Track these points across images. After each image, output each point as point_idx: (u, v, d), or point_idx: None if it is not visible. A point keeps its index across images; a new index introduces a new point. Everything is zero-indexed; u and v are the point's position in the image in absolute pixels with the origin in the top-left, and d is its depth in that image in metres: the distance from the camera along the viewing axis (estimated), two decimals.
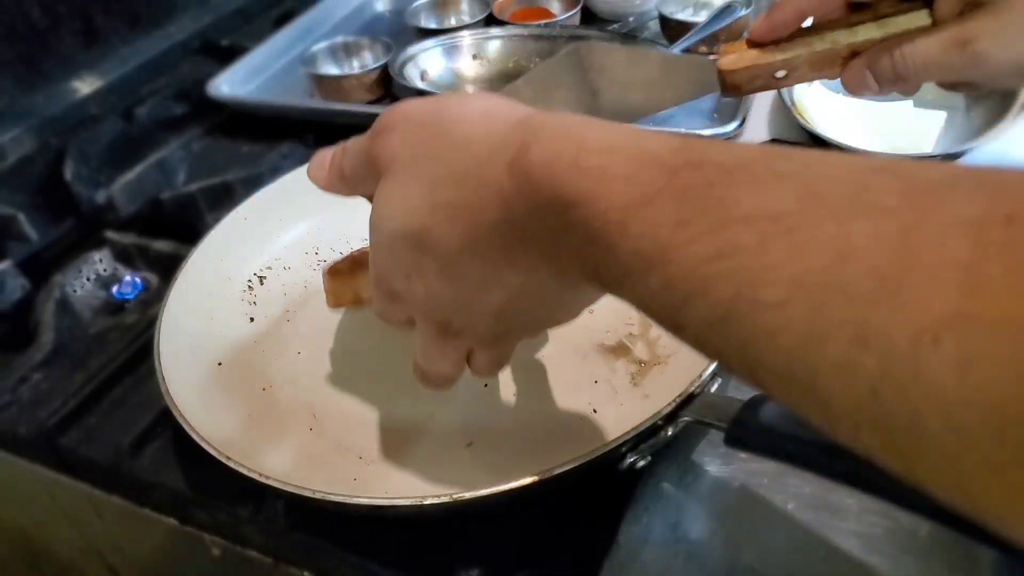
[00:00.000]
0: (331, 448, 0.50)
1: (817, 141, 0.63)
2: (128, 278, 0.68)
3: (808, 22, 0.48)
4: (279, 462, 0.48)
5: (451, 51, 0.91)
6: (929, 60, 0.44)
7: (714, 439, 0.47)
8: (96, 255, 0.71)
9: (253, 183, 0.67)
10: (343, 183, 0.42)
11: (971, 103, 0.65)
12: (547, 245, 0.30)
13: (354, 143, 0.40)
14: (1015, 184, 0.19)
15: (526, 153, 0.29)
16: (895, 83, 0.46)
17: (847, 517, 0.42)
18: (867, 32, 0.46)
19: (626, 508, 0.45)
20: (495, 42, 0.92)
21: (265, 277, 0.63)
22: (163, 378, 0.49)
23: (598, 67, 0.52)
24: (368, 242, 0.39)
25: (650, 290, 0.25)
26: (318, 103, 0.88)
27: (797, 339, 0.21)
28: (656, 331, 0.54)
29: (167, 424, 0.53)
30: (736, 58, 0.48)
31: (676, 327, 0.25)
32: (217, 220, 0.62)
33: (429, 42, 0.91)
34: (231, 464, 0.43)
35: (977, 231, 0.18)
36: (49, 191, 0.76)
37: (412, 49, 0.89)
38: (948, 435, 0.18)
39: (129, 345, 0.61)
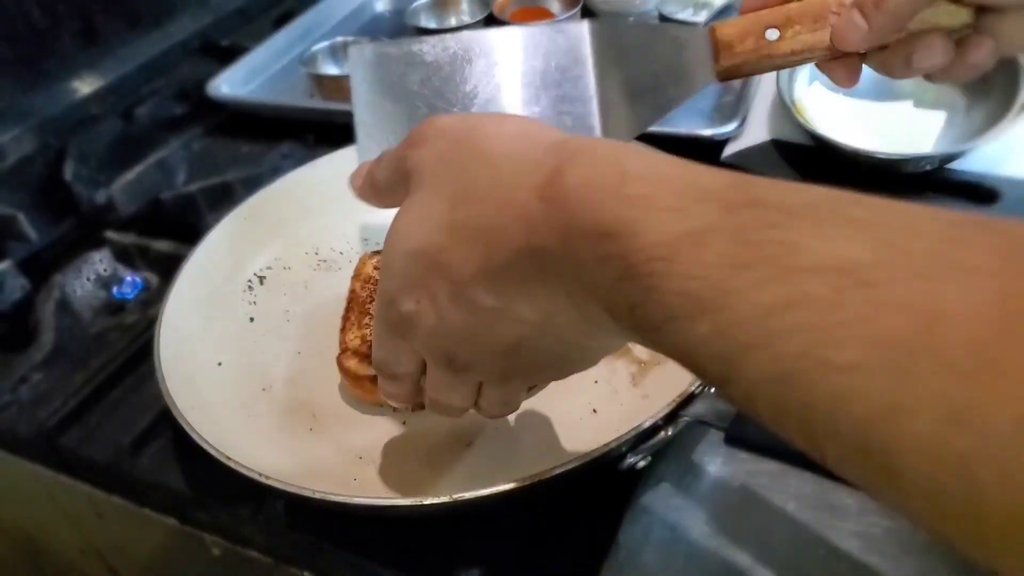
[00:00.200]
0: (331, 448, 0.50)
1: (817, 141, 0.63)
2: (128, 278, 0.68)
3: None
4: (279, 462, 0.48)
5: None
6: None
7: (714, 439, 0.47)
8: (96, 255, 0.71)
9: (253, 183, 0.67)
10: (374, 193, 0.40)
11: (971, 103, 0.65)
12: (572, 280, 0.27)
13: (389, 154, 0.38)
14: None
15: (561, 176, 0.27)
16: (883, 11, 0.42)
17: (847, 517, 0.42)
18: None
19: (626, 508, 0.45)
20: None
21: (265, 277, 0.63)
22: (163, 378, 0.49)
23: (606, 51, 0.51)
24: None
25: (696, 337, 0.23)
26: (318, 103, 0.88)
27: (873, 409, 0.19)
28: None
29: (167, 424, 0.53)
30: (729, 22, 0.47)
31: (722, 380, 0.23)
32: (217, 220, 0.62)
33: None
34: (231, 464, 0.43)
35: None
36: (49, 191, 0.76)
37: None
38: None
39: (129, 345, 0.61)
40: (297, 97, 0.90)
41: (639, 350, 0.53)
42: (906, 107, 0.67)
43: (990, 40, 0.43)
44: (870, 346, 0.19)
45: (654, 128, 0.73)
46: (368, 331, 0.54)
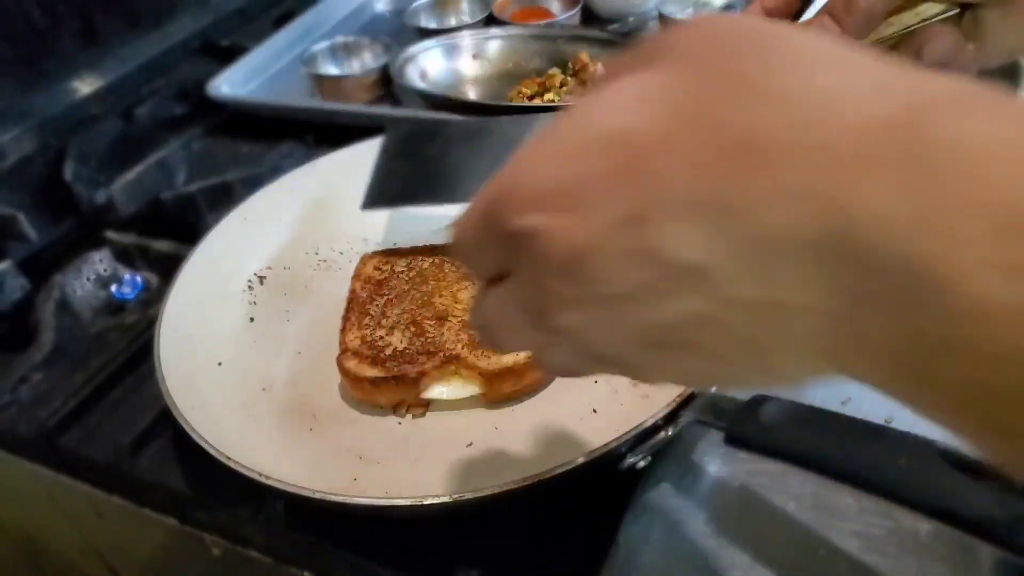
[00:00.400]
0: (331, 448, 0.50)
1: None
2: (128, 278, 0.68)
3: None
4: (279, 462, 0.47)
5: (451, 51, 0.91)
6: None
7: (714, 439, 0.47)
8: (96, 255, 0.71)
9: (253, 183, 0.67)
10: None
11: None
12: (846, 274, 0.19)
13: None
14: None
15: (921, 128, 0.18)
16: (853, 11, 0.40)
17: (847, 517, 0.42)
18: None
19: (626, 508, 0.45)
20: (495, 42, 0.92)
21: (265, 277, 0.63)
22: (163, 378, 0.49)
23: None
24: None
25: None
26: (318, 103, 0.88)
27: None
28: None
29: (167, 424, 0.53)
30: None
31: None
32: (217, 220, 0.62)
33: (429, 42, 0.91)
34: (231, 464, 0.43)
35: None
36: (49, 191, 0.76)
37: (412, 49, 0.89)
38: None
39: (129, 345, 0.61)
40: (297, 97, 0.90)
41: None
42: None
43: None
44: None
45: None
46: (368, 331, 0.54)
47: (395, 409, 0.52)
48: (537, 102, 0.81)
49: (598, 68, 0.85)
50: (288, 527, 0.48)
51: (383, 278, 0.59)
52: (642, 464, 0.43)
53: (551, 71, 0.86)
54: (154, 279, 0.69)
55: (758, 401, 0.40)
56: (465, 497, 0.40)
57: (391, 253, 0.61)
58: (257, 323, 0.59)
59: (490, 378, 0.50)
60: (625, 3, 0.98)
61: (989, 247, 0.16)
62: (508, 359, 0.50)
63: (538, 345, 0.26)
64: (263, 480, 0.42)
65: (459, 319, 0.54)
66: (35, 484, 0.60)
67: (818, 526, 0.43)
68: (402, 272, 0.59)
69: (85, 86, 0.83)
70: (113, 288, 0.68)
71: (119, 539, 0.62)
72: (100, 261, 0.71)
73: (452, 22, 1.03)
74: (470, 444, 0.49)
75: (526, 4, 1.02)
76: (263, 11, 1.06)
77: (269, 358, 0.57)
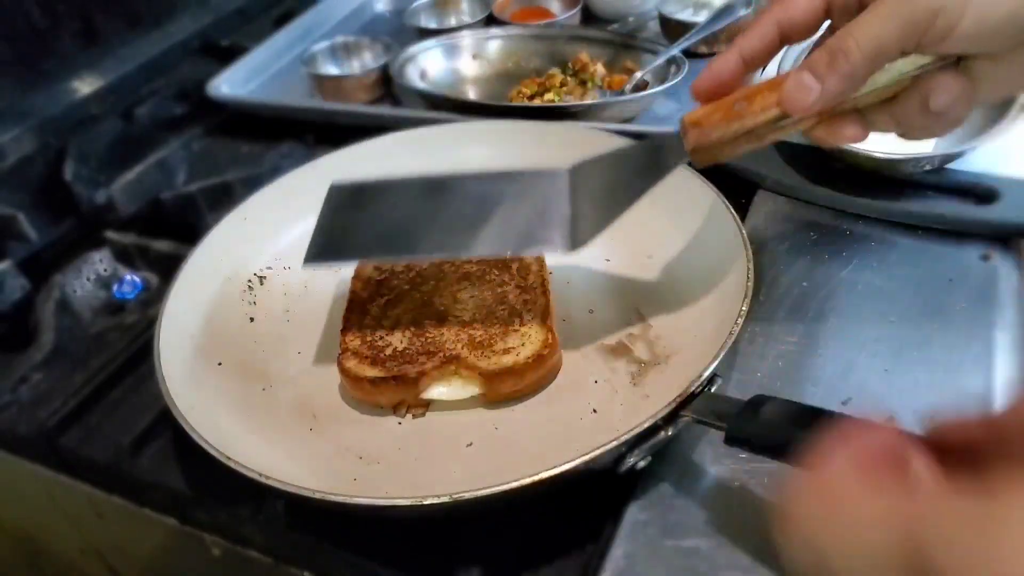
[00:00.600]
0: (331, 448, 0.50)
1: None
2: (128, 278, 0.68)
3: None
4: (279, 462, 0.47)
5: (451, 51, 0.91)
6: (867, 29, 0.38)
7: (714, 439, 0.47)
8: (96, 255, 0.71)
9: (253, 183, 0.67)
10: None
11: None
12: None
13: None
14: None
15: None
16: (834, 68, 0.39)
17: None
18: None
19: (626, 508, 0.45)
20: (495, 42, 0.92)
21: (265, 277, 0.63)
22: (163, 378, 0.49)
23: (582, 182, 0.51)
24: None
25: None
26: (318, 103, 0.88)
27: None
28: (656, 331, 0.54)
29: (167, 424, 0.53)
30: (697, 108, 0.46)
31: None
32: (217, 220, 0.62)
33: (429, 42, 0.91)
34: (231, 464, 0.43)
35: None
36: (49, 191, 0.76)
37: (412, 49, 0.89)
38: None
39: (129, 345, 0.61)
40: (297, 97, 0.90)
41: (639, 350, 0.53)
42: None
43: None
44: None
45: (654, 128, 0.73)
46: (368, 331, 0.54)
47: (395, 409, 0.52)
48: (537, 102, 0.81)
49: (598, 68, 0.85)
50: (288, 527, 0.48)
51: (383, 278, 0.59)
52: (642, 464, 0.43)
53: (551, 71, 0.86)
54: (154, 279, 0.69)
55: (758, 401, 0.40)
56: (465, 497, 0.40)
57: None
58: (257, 323, 0.59)
59: (490, 378, 0.50)
60: (625, 3, 0.98)
61: None
62: (508, 359, 0.50)
63: None
64: (263, 480, 0.42)
65: (459, 319, 0.54)
66: (35, 484, 0.60)
67: None
68: (402, 272, 0.59)
69: (85, 86, 0.83)
70: (113, 288, 0.68)
71: (119, 539, 0.62)
72: (100, 261, 0.71)
73: (452, 22, 1.03)
74: (470, 444, 0.49)
75: (526, 4, 1.02)
76: (263, 11, 1.06)
77: (269, 358, 0.57)
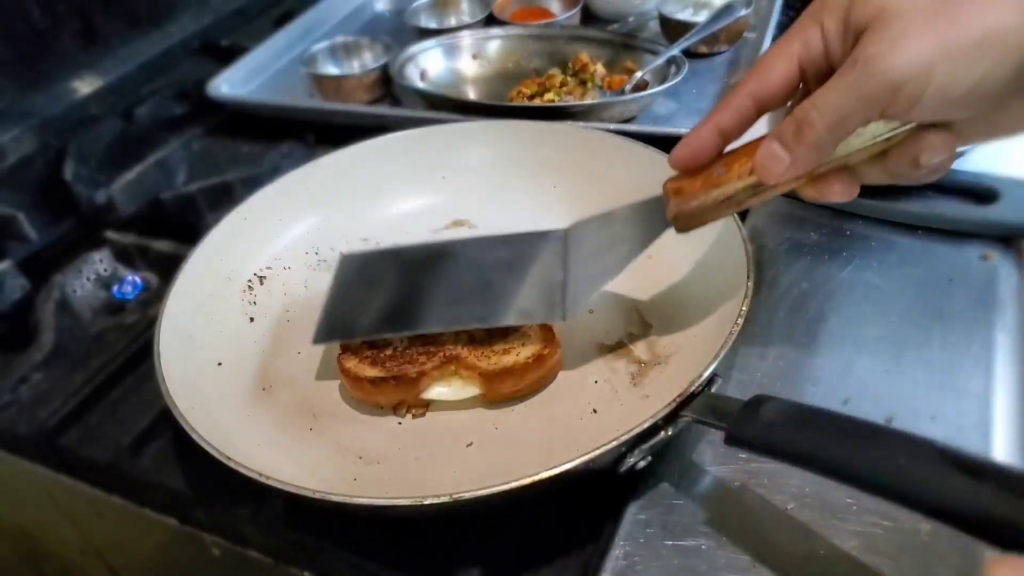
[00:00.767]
0: (331, 448, 0.50)
1: None
2: (128, 278, 0.68)
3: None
4: (279, 462, 0.48)
5: (451, 51, 0.91)
6: (830, 100, 0.37)
7: (714, 439, 0.47)
8: (96, 255, 0.71)
9: (253, 183, 0.67)
10: None
11: None
12: None
13: None
14: None
15: None
16: (801, 140, 0.39)
17: (847, 517, 0.42)
18: None
19: (626, 508, 0.45)
20: (495, 42, 0.92)
21: (265, 277, 0.63)
22: (163, 378, 0.49)
23: (575, 245, 0.53)
24: None
25: None
26: (318, 103, 0.88)
27: None
28: (656, 331, 0.54)
29: (167, 424, 0.53)
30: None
31: None
32: (217, 220, 0.62)
33: (429, 42, 0.91)
34: (231, 464, 0.43)
35: None
36: (49, 191, 0.76)
37: (412, 49, 0.89)
38: None
39: (129, 345, 0.61)
40: (297, 97, 0.90)
41: (639, 350, 0.53)
42: None
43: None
44: None
45: (654, 128, 0.73)
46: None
47: (395, 409, 0.52)
48: (537, 102, 0.81)
49: (598, 68, 0.85)
50: (288, 527, 0.48)
51: None
52: (642, 464, 0.43)
53: (551, 71, 0.86)
54: (154, 279, 0.69)
55: (758, 401, 0.40)
56: (465, 497, 0.39)
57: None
58: (257, 323, 0.59)
59: (490, 378, 0.50)
60: (625, 3, 0.98)
61: None
62: (508, 359, 0.50)
63: None
64: (263, 480, 0.42)
65: None
66: (35, 484, 0.60)
67: (818, 526, 0.43)
68: None
69: (85, 86, 0.83)
70: (113, 288, 0.68)
71: (119, 539, 0.62)
72: (100, 261, 0.71)
73: (452, 22, 1.03)
74: (470, 444, 0.49)
75: (526, 4, 1.02)
76: (263, 11, 1.06)
77: (269, 358, 0.57)
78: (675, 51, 0.82)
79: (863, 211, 0.61)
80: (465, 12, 1.03)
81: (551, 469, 0.40)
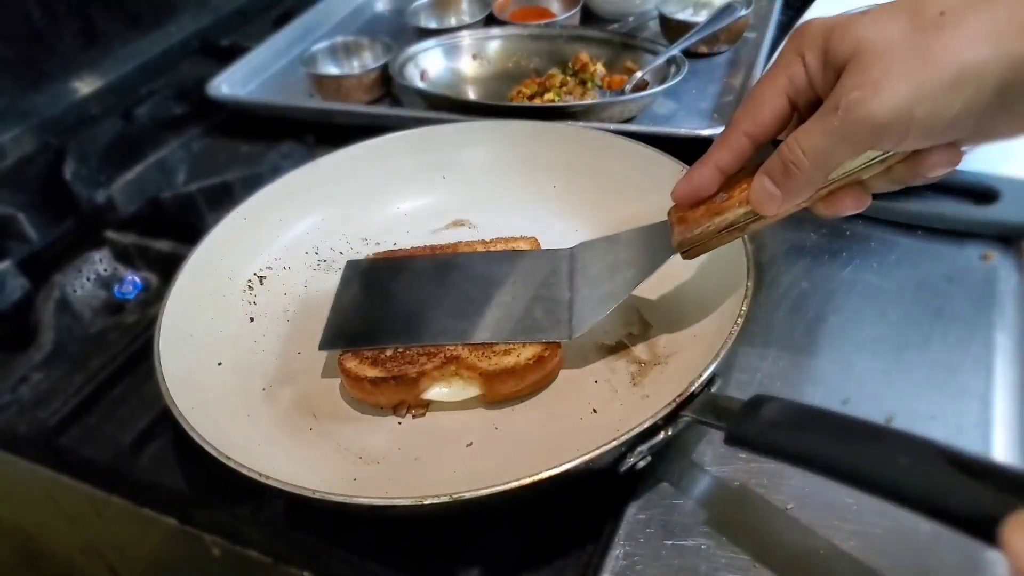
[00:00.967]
0: (331, 448, 0.50)
1: None
2: (128, 278, 0.68)
3: None
4: (279, 462, 0.48)
5: (451, 51, 0.91)
6: (814, 142, 0.38)
7: (714, 439, 0.47)
8: (96, 255, 0.71)
9: (253, 183, 0.67)
10: None
11: None
12: None
13: None
14: None
15: None
16: (789, 178, 0.40)
17: (847, 517, 0.42)
18: None
19: (626, 508, 0.45)
20: (495, 42, 0.92)
21: (265, 277, 0.63)
22: (163, 378, 0.49)
23: (580, 266, 0.54)
24: None
25: None
26: (318, 103, 0.88)
27: None
28: (656, 331, 0.54)
29: (167, 424, 0.53)
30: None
31: None
32: (217, 220, 0.62)
33: (429, 42, 0.91)
34: (231, 464, 0.43)
35: None
36: (49, 191, 0.76)
37: (412, 49, 0.89)
38: None
39: (129, 345, 0.61)
40: (297, 97, 0.90)
41: (639, 350, 0.53)
42: None
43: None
44: None
45: (654, 128, 0.73)
46: None
47: (395, 409, 0.52)
48: (537, 102, 0.81)
49: (598, 68, 0.85)
50: (288, 527, 0.48)
51: None
52: (642, 464, 0.43)
53: (551, 71, 0.86)
54: (154, 279, 0.69)
55: (758, 401, 0.40)
56: (465, 497, 0.39)
57: (391, 254, 0.61)
58: (257, 323, 0.59)
59: (490, 379, 0.50)
60: (625, 3, 0.98)
61: None
62: (509, 360, 0.50)
63: None
64: (263, 480, 0.42)
65: None
66: (35, 484, 0.60)
67: (818, 526, 0.43)
68: None
69: (85, 86, 0.83)
70: (113, 288, 0.68)
71: (119, 539, 0.62)
72: (100, 261, 0.71)
73: (452, 22, 1.03)
74: (470, 444, 0.49)
75: (526, 4, 1.02)
76: (263, 11, 1.06)
77: (269, 358, 0.57)
78: (675, 51, 0.82)
79: (863, 211, 0.61)
80: (465, 12, 1.03)
81: (551, 469, 0.40)
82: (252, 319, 0.59)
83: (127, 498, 0.55)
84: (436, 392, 0.51)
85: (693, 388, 0.43)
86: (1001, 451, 0.45)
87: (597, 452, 0.40)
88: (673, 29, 0.89)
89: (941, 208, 0.60)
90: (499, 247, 0.59)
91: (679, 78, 0.78)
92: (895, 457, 0.34)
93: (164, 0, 0.92)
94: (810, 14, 0.77)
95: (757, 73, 0.79)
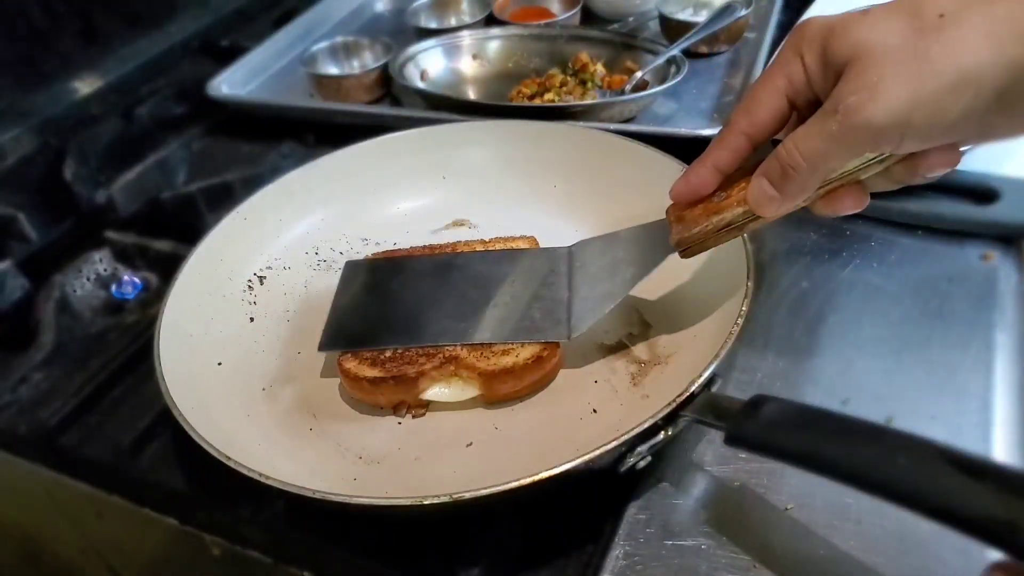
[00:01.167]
0: (331, 448, 0.50)
1: None
2: (128, 278, 0.68)
3: None
4: (279, 462, 0.48)
5: (451, 51, 0.91)
6: (812, 146, 0.38)
7: (714, 439, 0.47)
8: (96, 255, 0.71)
9: (253, 183, 0.67)
10: None
11: None
12: None
13: None
14: None
15: None
16: (787, 180, 0.40)
17: (847, 517, 0.42)
18: None
19: (626, 508, 0.45)
20: (495, 42, 0.92)
21: (265, 277, 0.63)
22: (163, 378, 0.49)
23: (579, 264, 0.55)
24: None
25: None
26: (318, 103, 0.88)
27: None
28: (656, 331, 0.54)
29: (167, 424, 0.53)
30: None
31: None
32: (217, 220, 0.62)
33: (429, 42, 0.91)
34: (231, 464, 0.43)
35: None
36: (49, 191, 0.76)
37: (412, 49, 0.89)
38: None
39: (129, 345, 0.61)
40: (297, 97, 0.90)
41: (639, 350, 0.53)
42: None
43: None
44: None
45: (654, 128, 0.73)
46: None
47: (395, 409, 0.52)
48: (537, 102, 0.81)
49: (598, 68, 0.85)
50: (288, 527, 0.48)
51: None
52: (642, 464, 0.43)
53: (551, 71, 0.86)
54: (154, 279, 0.69)
55: (758, 401, 0.40)
56: (465, 497, 0.39)
57: (391, 253, 0.61)
58: (257, 323, 0.59)
59: (489, 379, 0.50)
60: (625, 3, 0.98)
61: None
62: (508, 360, 0.50)
63: None
64: (263, 480, 0.42)
65: None
66: (35, 484, 0.60)
67: (818, 526, 0.43)
68: None
69: (85, 86, 0.83)
70: (113, 288, 0.68)
71: (119, 539, 0.62)
72: (100, 261, 0.71)
73: (452, 22, 1.03)
74: (470, 444, 0.49)
75: (526, 4, 1.02)
76: (263, 11, 1.06)
77: (269, 358, 0.57)
78: (675, 51, 0.82)
79: (863, 211, 0.61)
80: (465, 12, 1.03)
81: (551, 469, 0.40)
82: (252, 319, 0.60)
83: (127, 498, 0.55)
84: (435, 392, 0.51)
85: (693, 388, 0.43)
86: (1001, 451, 0.45)
87: (597, 452, 0.40)
88: (673, 29, 0.89)
89: (941, 208, 0.60)
90: (498, 247, 0.59)
91: (679, 78, 0.78)
92: (895, 457, 0.34)
93: (164, 0, 0.92)
94: (810, 14, 0.77)
95: (757, 73, 0.79)
